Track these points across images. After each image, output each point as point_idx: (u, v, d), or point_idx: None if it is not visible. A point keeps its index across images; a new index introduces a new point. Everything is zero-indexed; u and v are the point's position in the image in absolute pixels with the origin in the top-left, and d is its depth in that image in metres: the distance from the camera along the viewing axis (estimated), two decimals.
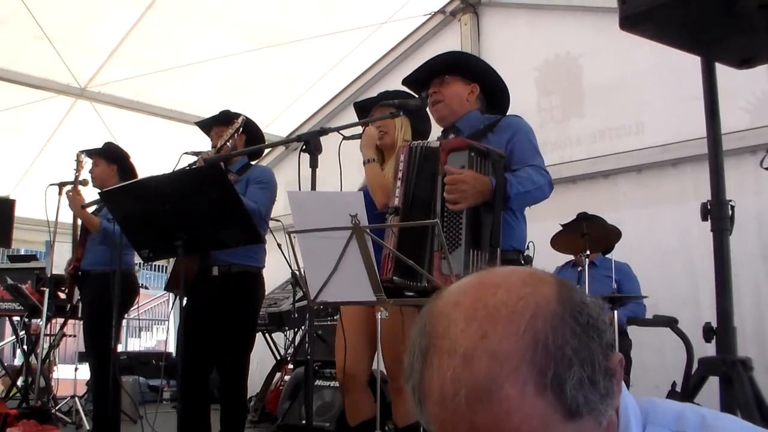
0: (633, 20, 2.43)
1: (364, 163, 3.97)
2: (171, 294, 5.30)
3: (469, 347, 0.93)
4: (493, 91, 3.72)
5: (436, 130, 4.14)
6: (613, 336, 1.03)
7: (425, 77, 3.69)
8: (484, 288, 1.00)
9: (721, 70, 2.96)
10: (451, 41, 7.63)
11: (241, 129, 4.58)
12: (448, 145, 3.22)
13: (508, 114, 3.65)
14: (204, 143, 4.98)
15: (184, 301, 4.46)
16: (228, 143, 4.53)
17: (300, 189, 3.27)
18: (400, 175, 3.28)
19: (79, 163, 5.88)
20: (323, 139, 3.35)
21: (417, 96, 3.70)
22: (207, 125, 4.96)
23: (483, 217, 3.15)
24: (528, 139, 3.45)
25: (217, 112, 4.90)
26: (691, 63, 3.07)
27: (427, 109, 3.73)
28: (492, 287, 0.99)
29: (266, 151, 8.38)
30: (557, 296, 0.98)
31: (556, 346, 0.93)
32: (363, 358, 4.00)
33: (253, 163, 5.03)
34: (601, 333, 0.98)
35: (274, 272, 7.05)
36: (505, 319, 0.94)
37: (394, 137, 4.10)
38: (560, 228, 5.28)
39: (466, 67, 3.72)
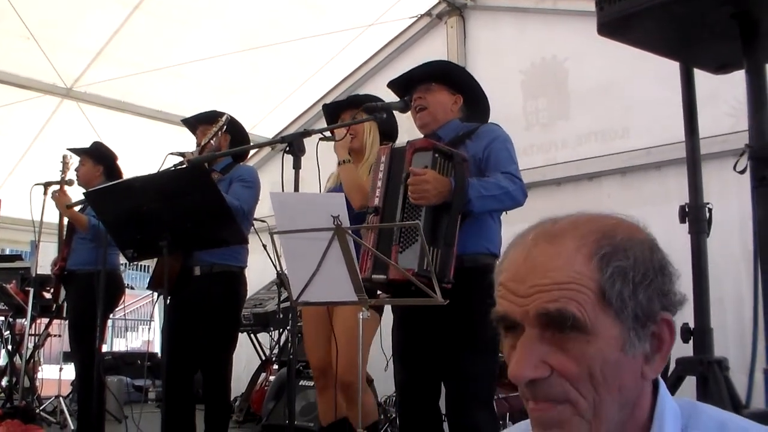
0: (611, 26, 2.47)
1: (338, 164, 4.00)
2: (156, 294, 5.30)
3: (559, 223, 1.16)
4: (475, 104, 3.76)
5: (403, 134, 4.20)
6: (675, 301, 1.12)
7: (412, 82, 3.71)
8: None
9: (705, 75, 2.99)
10: (437, 44, 7.65)
11: (225, 127, 4.60)
12: (414, 145, 3.30)
13: (488, 123, 3.68)
14: (190, 144, 5.00)
15: (168, 301, 4.48)
16: (212, 141, 4.56)
17: (283, 190, 3.29)
18: (380, 175, 3.31)
19: (65, 163, 5.88)
20: (307, 141, 3.37)
21: (400, 99, 3.73)
22: (192, 123, 4.98)
23: (442, 216, 3.21)
24: (505, 147, 3.49)
25: (204, 111, 4.91)
26: (676, 68, 3.10)
27: (409, 113, 3.76)
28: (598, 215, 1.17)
29: (252, 151, 8.40)
30: (650, 239, 1.14)
31: (623, 248, 1.08)
32: (330, 353, 4.02)
33: (237, 163, 5.04)
34: (663, 285, 1.09)
35: (260, 273, 7.07)
36: (598, 216, 1.15)
37: (363, 140, 4.15)
38: None
39: (453, 77, 3.75)
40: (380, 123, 4.07)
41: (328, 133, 3.96)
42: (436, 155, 3.22)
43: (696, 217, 2.96)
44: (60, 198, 5.65)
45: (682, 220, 2.99)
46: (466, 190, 3.20)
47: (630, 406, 1.08)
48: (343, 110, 4.31)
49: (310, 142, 3.39)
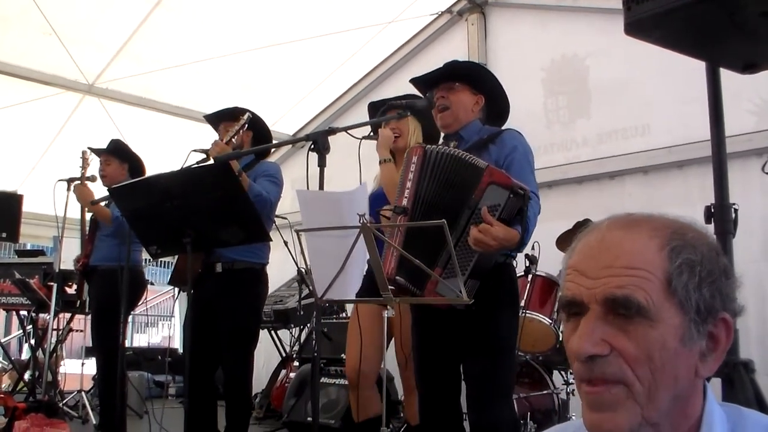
0: (638, 26, 2.46)
1: (380, 163, 4.02)
2: (176, 290, 5.32)
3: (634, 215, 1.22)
4: (495, 105, 3.75)
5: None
6: (735, 307, 1.16)
7: (435, 81, 3.70)
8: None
9: (727, 73, 2.98)
10: (457, 41, 7.66)
11: (246, 125, 4.61)
12: (493, 177, 3.12)
13: (510, 128, 3.66)
14: (212, 139, 5.01)
15: (189, 298, 4.50)
16: (233, 139, 4.56)
17: (308, 187, 3.29)
18: (410, 176, 3.29)
19: (84, 160, 5.92)
20: (330, 138, 3.38)
21: (423, 97, 3.72)
22: (214, 120, 4.99)
23: (494, 255, 3.20)
24: (526, 158, 3.46)
25: (226, 107, 4.92)
26: (697, 65, 3.08)
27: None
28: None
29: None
30: (717, 245, 1.19)
31: (692, 245, 1.14)
32: (376, 356, 4.07)
33: (260, 160, 5.05)
34: (726, 287, 1.14)
35: (281, 269, 7.09)
36: (671, 217, 1.21)
37: (407, 141, 4.16)
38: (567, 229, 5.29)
39: (476, 78, 3.73)
40: (424, 124, 4.10)
41: (362, 131, 3.95)
42: (511, 196, 3.09)
43: (722, 217, 2.94)
44: (82, 192, 5.69)
45: (708, 221, 2.97)
46: (525, 237, 3.18)
47: (682, 400, 1.12)
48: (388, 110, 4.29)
49: (334, 140, 3.39)
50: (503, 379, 3.38)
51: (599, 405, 1.11)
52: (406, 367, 4.02)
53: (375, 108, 4.41)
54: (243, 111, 4.71)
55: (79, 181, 5.84)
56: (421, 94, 3.89)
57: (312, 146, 3.26)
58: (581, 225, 5.18)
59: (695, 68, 3.15)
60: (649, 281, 1.09)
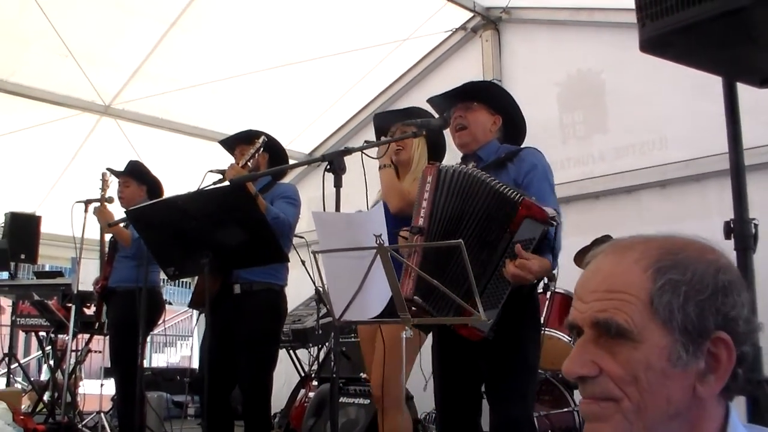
0: (653, 43, 2.44)
1: (379, 168, 4.01)
2: (195, 310, 5.33)
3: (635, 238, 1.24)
4: (512, 124, 3.73)
5: (451, 146, 4.17)
6: (739, 326, 1.14)
7: (453, 100, 3.69)
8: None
9: (744, 85, 2.96)
10: (472, 58, 7.65)
11: (261, 149, 4.61)
12: (531, 212, 3.07)
13: (528, 146, 3.65)
14: (227, 160, 5.02)
15: (208, 319, 4.49)
16: (249, 163, 4.56)
17: (324, 207, 3.29)
18: (426, 195, 3.27)
19: (104, 181, 5.95)
20: (346, 158, 3.37)
21: (440, 116, 3.71)
22: (230, 144, 5.00)
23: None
24: (546, 177, 3.44)
25: (241, 131, 4.93)
26: (713, 78, 3.06)
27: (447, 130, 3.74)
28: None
29: None
30: (721, 262, 1.18)
31: (683, 264, 1.14)
32: (398, 375, 4.05)
33: (276, 181, 5.05)
34: (723, 306, 1.12)
35: (298, 289, 7.07)
36: (673, 237, 1.22)
37: (411, 154, 4.14)
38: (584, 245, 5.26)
39: (494, 97, 3.72)
40: (429, 138, 4.08)
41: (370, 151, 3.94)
42: (546, 229, 3.08)
43: (742, 232, 2.91)
44: (103, 214, 5.72)
45: (727, 236, 2.93)
46: (554, 263, 3.18)
47: (686, 421, 1.11)
48: (393, 122, 4.28)
49: (350, 159, 3.39)
50: (526, 396, 3.37)
51: (590, 416, 1.15)
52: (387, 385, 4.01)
53: (380, 119, 4.41)
54: (258, 134, 4.71)
55: (98, 203, 5.87)
56: (435, 112, 3.89)
57: (328, 167, 3.25)
58: (600, 241, 5.15)
59: (712, 81, 3.12)
60: (630, 303, 1.12)
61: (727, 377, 1.12)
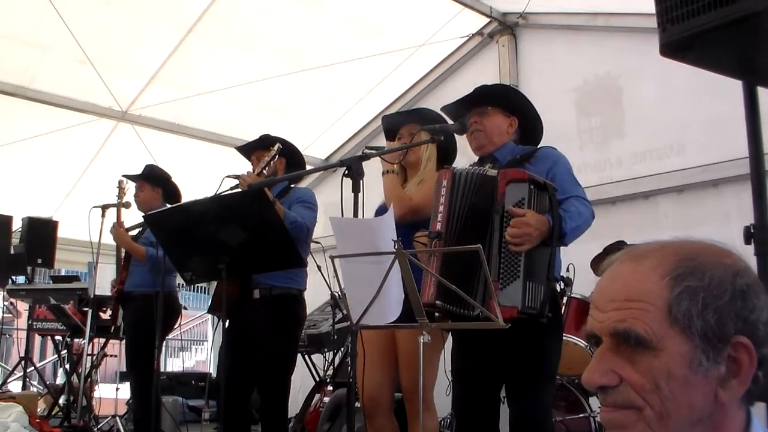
0: (673, 47, 2.44)
1: (382, 174, 4.00)
2: (211, 315, 5.34)
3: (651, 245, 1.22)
4: (529, 126, 3.74)
5: (462, 149, 4.17)
6: (757, 330, 1.13)
7: (467, 106, 3.70)
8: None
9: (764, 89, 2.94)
10: (489, 63, 7.64)
11: (277, 156, 4.62)
12: (508, 176, 3.19)
13: (543, 145, 3.66)
14: (244, 165, 5.03)
15: (227, 324, 4.50)
16: (264, 171, 4.57)
17: (342, 213, 3.29)
18: (442, 200, 3.28)
19: (121, 189, 5.99)
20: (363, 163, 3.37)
21: (457, 121, 3.71)
22: (247, 150, 5.01)
23: (537, 250, 3.16)
24: (567, 169, 3.47)
25: (257, 137, 4.94)
26: (732, 82, 3.04)
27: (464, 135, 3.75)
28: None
29: None
30: (739, 266, 1.16)
31: (700, 270, 1.13)
32: (385, 381, 4.01)
33: (292, 186, 5.06)
34: (743, 310, 1.11)
35: (314, 294, 7.05)
36: (689, 242, 1.21)
37: (419, 155, 4.13)
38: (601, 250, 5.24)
39: (508, 100, 3.73)
40: (440, 142, 4.07)
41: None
42: (532, 187, 3.14)
43: (762, 238, 2.89)
44: (118, 232, 5.77)
45: (747, 241, 2.91)
46: (562, 225, 3.19)
47: (705, 426, 1.11)
48: (402, 124, 4.30)
49: (367, 164, 3.39)
50: (546, 400, 3.38)
51: (613, 425, 1.15)
52: (410, 392, 3.96)
53: (388, 120, 4.41)
54: (274, 141, 4.72)
55: (113, 208, 5.91)
56: (442, 113, 3.92)
57: (346, 172, 3.25)
58: (612, 248, 5.14)
59: (730, 85, 3.11)
60: (648, 312, 1.11)
61: (749, 381, 1.11)
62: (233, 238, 4.05)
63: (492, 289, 2.89)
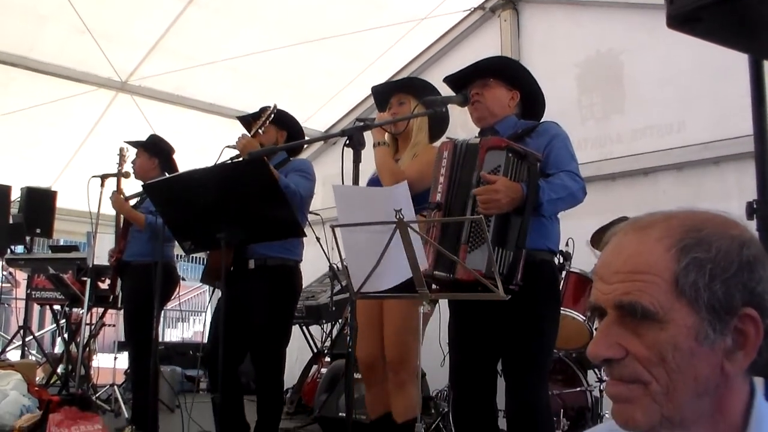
0: (681, 19, 2.41)
1: (373, 146, 4.00)
2: (209, 286, 5.34)
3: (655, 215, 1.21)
4: (531, 100, 3.74)
5: (456, 129, 4.17)
6: (763, 301, 1.12)
7: (469, 77, 3.70)
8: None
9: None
10: (490, 38, 7.61)
11: (272, 115, 4.62)
12: (487, 144, 3.24)
13: (545, 120, 3.66)
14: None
15: (222, 294, 4.50)
16: (260, 131, 4.58)
17: (343, 183, 3.29)
18: (443, 171, 3.30)
19: (122, 156, 5.99)
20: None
21: (459, 93, 3.71)
22: (248, 121, 5.01)
23: (512, 218, 3.20)
24: (565, 145, 3.48)
25: (257, 109, 4.94)
26: (734, 60, 3.03)
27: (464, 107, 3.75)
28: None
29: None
30: (745, 236, 1.15)
31: (707, 241, 1.12)
32: (379, 349, 4.05)
33: (291, 158, 5.06)
34: (750, 281, 1.11)
35: (313, 266, 7.10)
36: (694, 212, 1.19)
37: (410, 126, 4.14)
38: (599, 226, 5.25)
39: (511, 73, 3.73)
40: (431, 113, 4.07)
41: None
42: (510, 155, 3.17)
43: (765, 214, 2.89)
44: (118, 199, 5.76)
45: (750, 217, 2.91)
46: (539, 195, 3.20)
47: (713, 399, 1.11)
48: (392, 93, 4.31)
49: (369, 136, 3.39)
50: (543, 373, 3.40)
51: (619, 398, 1.14)
52: (395, 363, 4.02)
53: (379, 91, 4.42)
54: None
55: (113, 178, 5.91)
56: (433, 82, 3.93)
57: (347, 142, 3.25)
58: (616, 223, 5.14)
59: (732, 63, 3.10)
60: (655, 284, 1.10)
61: (755, 353, 1.11)
62: (233, 207, 4.04)
63: (494, 262, 2.91)
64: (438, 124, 4.25)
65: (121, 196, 5.82)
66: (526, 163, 3.23)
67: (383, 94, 4.37)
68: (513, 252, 3.18)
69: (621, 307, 1.13)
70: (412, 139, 4.15)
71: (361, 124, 3.42)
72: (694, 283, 1.09)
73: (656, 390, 1.09)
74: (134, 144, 6.10)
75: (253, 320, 4.61)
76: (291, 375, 7.02)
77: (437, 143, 4.00)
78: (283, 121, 4.90)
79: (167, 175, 5.74)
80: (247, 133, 4.67)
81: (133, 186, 6.01)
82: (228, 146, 4.59)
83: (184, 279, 7.21)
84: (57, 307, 8.27)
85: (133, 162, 6.06)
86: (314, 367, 7.35)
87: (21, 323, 8.53)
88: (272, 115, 4.63)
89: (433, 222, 3.21)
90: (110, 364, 7.32)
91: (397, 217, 2.63)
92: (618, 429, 1.18)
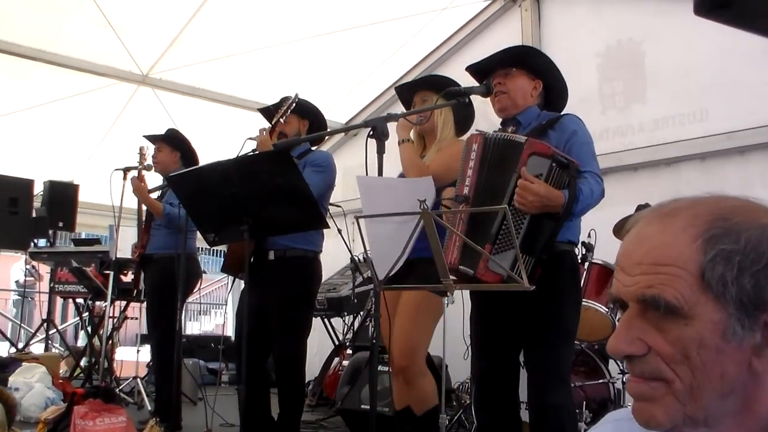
0: (709, 6, 2.39)
1: (399, 144, 3.99)
2: (229, 278, 5.35)
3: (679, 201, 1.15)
4: (553, 90, 3.71)
5: (486, 115, 4.14)
6: None
7: (491, 67, 3.67)
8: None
9: None
10: (511, 28, 7.57)
11: (294, 105, 4.62)
12: (533, 147, 3.17)
13: (568, 113, 3.63)
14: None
15: (244, 285, 4.52)
16: (282, 120, 4.59)
17: (367, 174, 3.28)
18: (471, 164, 3.28)
19: (142, 154, 6.03)
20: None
21: (482, 84, 3.69)
22: (269, 112, 5.01)
23: (545, 223, 3.17)
24: (587, 141, 3.44)
25: (279, 100, 4.94)
26: (758, 48, 3.01)
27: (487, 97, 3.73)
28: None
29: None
30: None
31: (735, 231, 1.04)
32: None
33: (313, 148, 5.06)
34: None
35: (334, 258, 7.11)
36: (721, 198, 1.13)
37: (434, 122, 4.13)
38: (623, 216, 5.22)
39: (533, 62, 3.70)
40: (456, 107, 4.05)
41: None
42: (554, 164, 3.14)
43: None
44: (138, 185, 5.78)
45: None
46: (573, 205, 3.18)
47: (737, 397, 1.04)
48: (415, 91, 4.32)
49: (393, 132, 3.38)
50: (564, 365, 3.38)
51: (640, 396, 1.08)
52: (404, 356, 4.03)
53: (403, 90, 4.42)
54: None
55: (135, 170, 5.94)
56: (456, 80, 3.90)
57: (371, 133, 3.24)
58: (641, 209, 5.11)
59: (755, 51, 3.06)
60: (679, 277, 1.03)
61: None
62: (257, 199, 4.05)
63: (519, 256, 2.90)
64: (463, 118, 4.23)
65: (143, 183, 5.83)
66: (567, 173, 3.18)
67: (407, 93, 4.38)
68: (536, 259, 3.16)
69: (643, 301, 1.06)
70: (438, 135, 4.14)
71: (385, 115, 3.42)
72: (721, 276, 1.01)
73: (679, 389, 1.03)
74: (154, 138, 6.12)
75: (272, 311, 4.62)
76: (312, 367, 7.04)
77: (464, 137, 3.98)
78: (306, 110, 4.90)
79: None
80: (267, 129, 4.67)
81: (153, 181, 6.03)
82: (250, 138, 4.60)
83: (205, 272, 7.22)
84: (80, 300, 8.33)
85: (154, 156, 6.08)
86: (336, 360, 7.36)
87: (44, 316, 8.60)
88: (294, 104, 4.64)
89: (460, 213, 3.19)
90: (133, 357, 7.37)
91: (422, 207, 2.62)
92: (624, 427, 1.15)
